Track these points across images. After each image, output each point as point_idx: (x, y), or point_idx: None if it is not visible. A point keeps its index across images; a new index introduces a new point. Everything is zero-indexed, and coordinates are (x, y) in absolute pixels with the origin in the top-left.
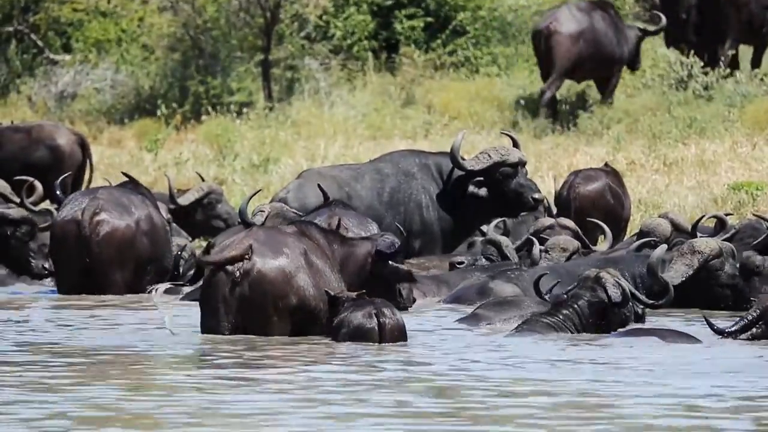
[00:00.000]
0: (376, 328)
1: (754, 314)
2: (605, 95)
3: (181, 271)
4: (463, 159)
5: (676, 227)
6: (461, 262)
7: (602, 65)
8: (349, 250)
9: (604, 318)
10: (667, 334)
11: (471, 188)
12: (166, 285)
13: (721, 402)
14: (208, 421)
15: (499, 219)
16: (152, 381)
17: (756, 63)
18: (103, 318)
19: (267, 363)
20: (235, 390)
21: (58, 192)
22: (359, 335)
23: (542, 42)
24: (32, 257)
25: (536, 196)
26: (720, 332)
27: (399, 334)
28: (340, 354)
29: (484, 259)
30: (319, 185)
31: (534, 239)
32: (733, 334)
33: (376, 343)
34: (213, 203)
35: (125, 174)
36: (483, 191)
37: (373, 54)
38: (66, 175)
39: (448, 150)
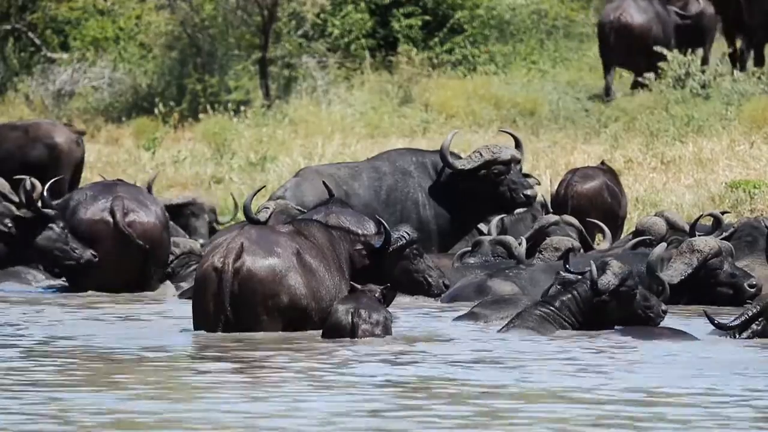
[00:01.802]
0: (349, 327)
1: (755, 310)
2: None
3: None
4: (458, 158)
5: (672, 226)
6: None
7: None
8: (359, 247)
9: (602, 305)
10: (663, 332)
11: (459, 182)
12: None
13: (717, 400)
14: (197, 420)
15: (498, 218)
16: (145, 378)
17: (760, 61)
18: (102, 314)
19: (259, 360)
20: (225, 388)
21: (45, 193)
22: (335, 331)
23: (612, 34)
24: (72, 249)
25: (528, 192)
26: (720, 328)
27: (373, 335)
28: (333, 352)
29: (493, 260)
30: (324, 182)
31: (523, 239)
32: (733, 330)
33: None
34: (189, 215)
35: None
36: (472, 187)
37: (371, 52)
38: (58, 178)
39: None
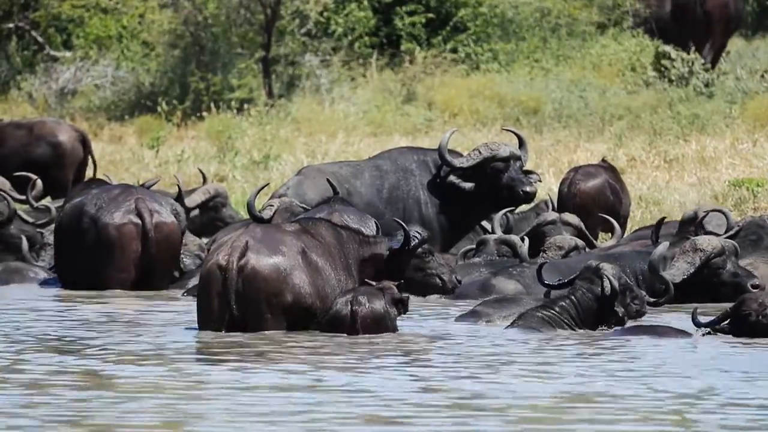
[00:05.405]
0: (349, 316)
1: (728, 311)
2: (713, 60)
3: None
4: (458, 156)
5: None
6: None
7: (735, 30)
8: (368, 249)
9: (602, 311)
10: (665, 331)
11: (454, 179)
12: None
13: (714, 398)
14: (200, 419)
15: (501, 215)
16: (148, 378)
17: None
18: (105, 313)
19: (261, 360)
20: (227, 388)
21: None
22: (334, 324)
23: (695, 10)
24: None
25: (527, 188)
26: (700, 325)
27: (373, 323)
28: (336, 350)
29: (498, 259)
30: (328, 180)
31: (526, 238)
32: (707, 326)
33: (350, 333)
34: (218, 206)
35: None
36: (467, 185)
37: (374, 51)
38: (34, 179)
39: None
